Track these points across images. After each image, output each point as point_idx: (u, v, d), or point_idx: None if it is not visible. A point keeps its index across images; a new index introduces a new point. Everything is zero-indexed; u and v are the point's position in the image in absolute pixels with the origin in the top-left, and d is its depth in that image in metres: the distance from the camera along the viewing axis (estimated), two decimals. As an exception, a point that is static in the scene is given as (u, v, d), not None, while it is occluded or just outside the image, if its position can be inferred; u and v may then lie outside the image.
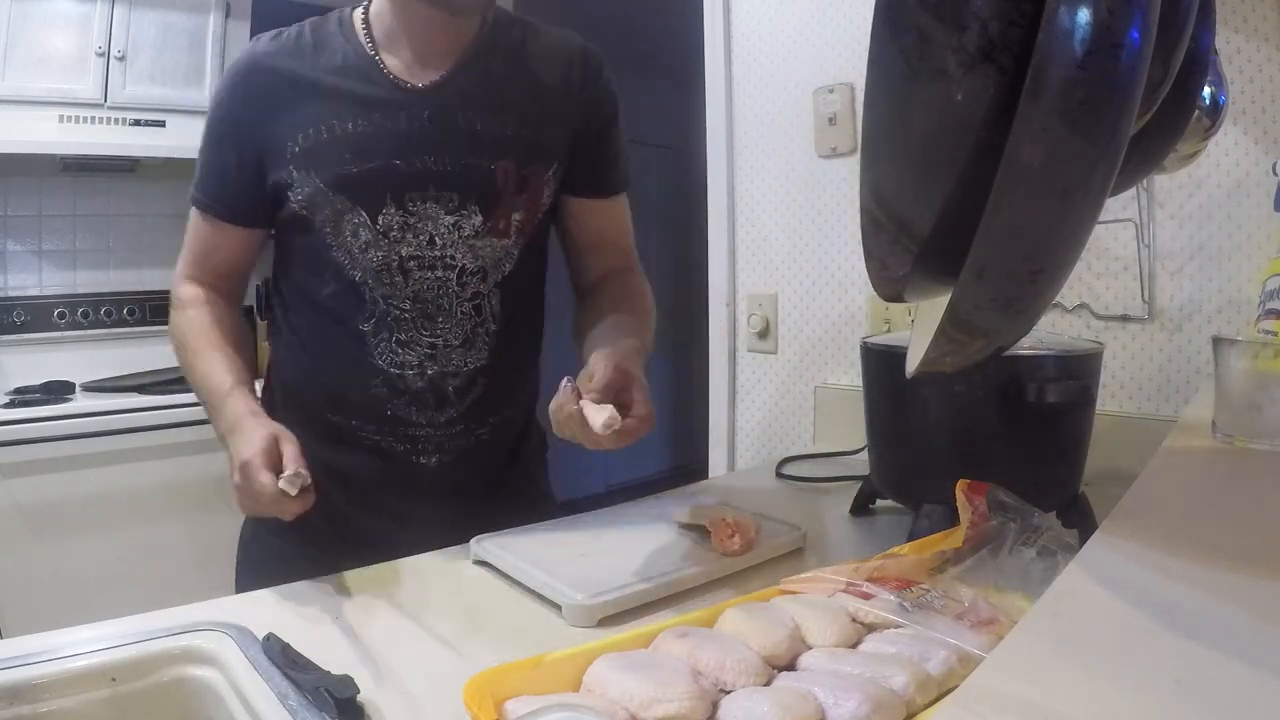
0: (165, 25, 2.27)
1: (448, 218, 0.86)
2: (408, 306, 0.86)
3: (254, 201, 0.88)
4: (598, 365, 0.72)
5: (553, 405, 0.70)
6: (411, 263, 0.85)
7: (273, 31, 0.89)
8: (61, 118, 2.13)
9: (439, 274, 0.86)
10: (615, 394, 0.71)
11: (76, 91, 2.15)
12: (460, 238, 0.87)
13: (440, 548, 0.82)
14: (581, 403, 0.68)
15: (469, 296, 0.88)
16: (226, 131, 0.88)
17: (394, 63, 0.86)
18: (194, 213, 0.91)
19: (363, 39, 0.87)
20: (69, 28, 2.15)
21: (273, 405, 0.94)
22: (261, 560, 0.93)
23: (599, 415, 0.66)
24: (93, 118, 2.17)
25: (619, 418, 0.67)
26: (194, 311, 0.89)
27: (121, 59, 2.21)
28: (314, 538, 0.86)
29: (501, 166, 0.87)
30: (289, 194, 0.85)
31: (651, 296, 0.99)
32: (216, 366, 0.84)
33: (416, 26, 0.86)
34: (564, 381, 0.70)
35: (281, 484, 0.69)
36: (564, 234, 1.00)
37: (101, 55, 2.18)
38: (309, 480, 0.70)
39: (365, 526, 0.92)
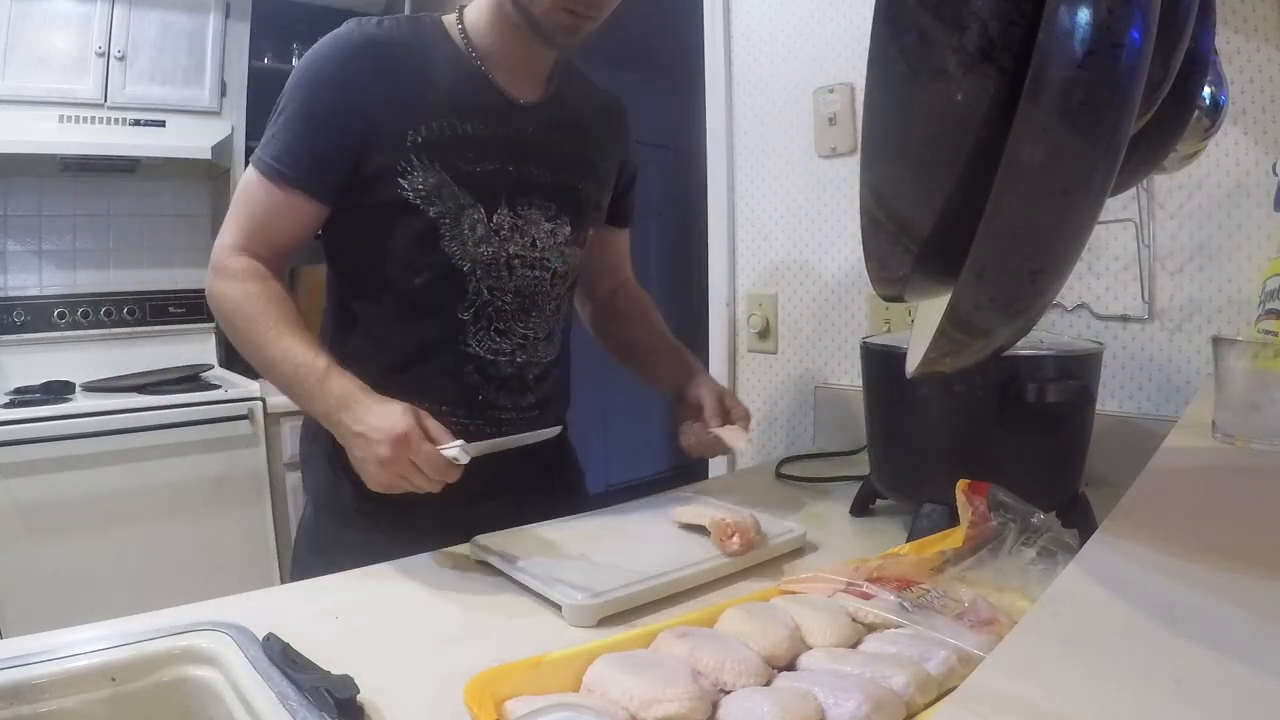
0: (165, 25, 2.28)
1: (546, 224, 0.95)
2: (509, 300, 0.94)
3: (339, 178, 0.88)
4: (705, 398, 0.97)
5: (688, 442, 0.96)
6: (516, 260, 0.93)
7: (365, 19, 0.89)
8: (61, 118, 2.13)
9: (537, 273, 0.95)
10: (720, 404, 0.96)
11: (76, 91, 2.15)
12: (555, 244, 0.96)
13: (510, 526, 0.83)
14: (717, 431, 0.93)
15: (555, 296, 0.98)
16: (334, 103, 0.85)
17: (498, 77, 0.92)
18: (258, 181, 0.87)
19: (464, 48, 0.91)
20: (69, 28, 2.15)
21: None
22: (327, 547, 0.94)
23: (737, 439, 0.92)
24: (93, 118, 2.17)
25: (743, 432, 0.93)
26: (255, 285, 0.86)
27: (121, 59, 2.21)
28: (383, 524, 0.88)
29: (586, 186, 0.99)
30: (401, 181, 0.86)
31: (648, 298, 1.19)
32: (300, 345, 0.83)
33: (517, 50, 0.91)
34: (685, 424, 0.97)
35: (454, 453, 0.74)
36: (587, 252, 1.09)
37: (101, 55, 2.18)
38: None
39: (450, 508, 0.85)
